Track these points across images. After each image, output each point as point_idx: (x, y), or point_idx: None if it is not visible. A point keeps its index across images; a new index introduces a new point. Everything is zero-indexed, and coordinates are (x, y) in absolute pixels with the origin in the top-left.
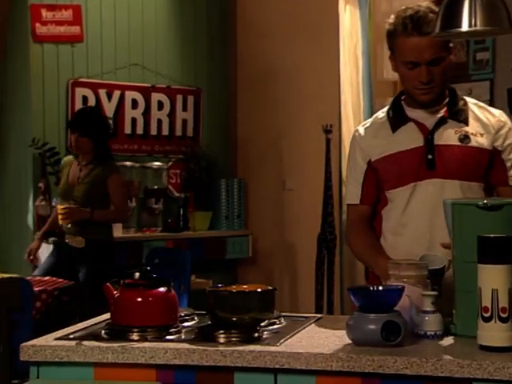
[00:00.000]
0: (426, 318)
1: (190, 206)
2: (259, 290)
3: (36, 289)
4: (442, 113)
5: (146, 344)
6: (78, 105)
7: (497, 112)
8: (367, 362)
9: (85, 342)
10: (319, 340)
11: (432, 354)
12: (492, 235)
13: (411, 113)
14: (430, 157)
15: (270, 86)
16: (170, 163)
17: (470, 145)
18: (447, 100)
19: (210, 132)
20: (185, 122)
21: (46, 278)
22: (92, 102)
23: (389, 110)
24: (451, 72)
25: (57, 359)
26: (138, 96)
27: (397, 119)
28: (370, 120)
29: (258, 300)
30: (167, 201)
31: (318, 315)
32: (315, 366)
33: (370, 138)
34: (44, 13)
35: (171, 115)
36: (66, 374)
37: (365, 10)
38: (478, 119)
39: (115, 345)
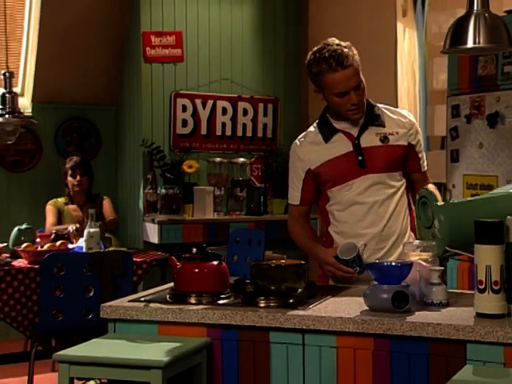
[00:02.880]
0: (433, 289)
1: (268, 194)
2: (293, 264)
3: (138, 259)
4: (362, 121)
5: (200, 306)
6: (179, 112)
7: (405, 113)
8: (378, 325)
9: (151, 304)
10: (342, 306)
11: (434, 319)
12: (489, 220)
13: (338, 125)
14: (360, 158)
15: None
16: (253, 159)
17: (389, 144)
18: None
19: (286, 134)
20: (265, 125)
21: (149, 251)
22: (190, 109)
23: (318, 124)
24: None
25: (128, 317)
26: (227, 104)
27: (327, 131)
28: (304, 134)
29: (292, 272)
30: (250, 190)
31: (348, 285)
32: (335, 328)
33: (307, 150)
34: (153, 38)
35: (254, 120)
36: (136, 330)
37: (421, 32)
38: (392, 120)
39: (174, 307)
